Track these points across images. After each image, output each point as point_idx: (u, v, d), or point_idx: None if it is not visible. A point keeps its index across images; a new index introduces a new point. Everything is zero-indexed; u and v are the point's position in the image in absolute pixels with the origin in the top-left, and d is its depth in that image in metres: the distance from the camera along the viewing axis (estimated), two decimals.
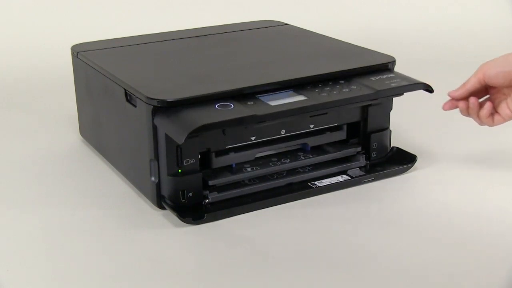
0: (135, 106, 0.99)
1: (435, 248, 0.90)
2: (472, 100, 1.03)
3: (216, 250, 0.91)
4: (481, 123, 1.05)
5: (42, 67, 1.66)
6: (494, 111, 1.04)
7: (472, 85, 1.03)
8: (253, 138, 1.02)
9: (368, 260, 0.88)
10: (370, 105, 1.08)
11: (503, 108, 1.03)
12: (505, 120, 1.04)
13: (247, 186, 1.02)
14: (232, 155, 1.02)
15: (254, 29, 1.33)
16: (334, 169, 1.08)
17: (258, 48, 1.21)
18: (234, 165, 1.03)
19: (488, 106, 1.03)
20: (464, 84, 1.05)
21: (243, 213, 0.99)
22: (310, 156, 1.07)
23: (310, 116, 1.04)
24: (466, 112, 1.05)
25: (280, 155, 1.07)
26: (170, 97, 0.94)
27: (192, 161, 0.97)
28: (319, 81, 1.03)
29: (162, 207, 0.99)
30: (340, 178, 1.06)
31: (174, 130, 0.91)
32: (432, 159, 1.14)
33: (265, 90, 1.00)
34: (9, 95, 1.53)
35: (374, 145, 1.10)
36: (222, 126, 0.94)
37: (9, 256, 0.90)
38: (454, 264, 0.86)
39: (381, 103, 1.09)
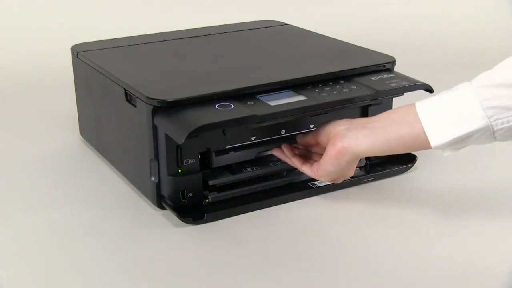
0: (135, 106, 0.99)
1: (435, 248, 0.90)
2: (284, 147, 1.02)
3: (216, 250, 0.91)
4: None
5: (42, 67, 1.66)
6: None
7: (311, 136, 1.00)
8: (253, 138, 1.02)
9: (368, 260, 0.87)
10: (370, 105, 1.08)
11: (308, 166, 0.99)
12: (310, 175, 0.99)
13: (247, 186, 1.02)
14: (232, 155, 1.02)
15: (254, 29, 1.33)
16: None
17: (258, 48, 1.21)
18: (234, 165, 1.03)
19: (296, 161, 1.00)
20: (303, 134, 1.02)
21: (243, 213, 0.99)
22: None
23: (310, 116, 1.04)
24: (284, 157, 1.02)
25: None
26: (170, 97, 0.94)
27: (192, 161, 0.97)
28: (319, 81, 1.03)
29: (162, 207, 0.99)
30: None
31: (174, 130, 0.91)
32: (432, 159, 1.14)
33: (265, 90, 1.00)
34: (9, 95, 1.53)
35: None
36: (222, 126, 0.94)
37: (9, 256, 0.90)
38: (455, 264, 0.86)
39: (381, 103, 1.09)
